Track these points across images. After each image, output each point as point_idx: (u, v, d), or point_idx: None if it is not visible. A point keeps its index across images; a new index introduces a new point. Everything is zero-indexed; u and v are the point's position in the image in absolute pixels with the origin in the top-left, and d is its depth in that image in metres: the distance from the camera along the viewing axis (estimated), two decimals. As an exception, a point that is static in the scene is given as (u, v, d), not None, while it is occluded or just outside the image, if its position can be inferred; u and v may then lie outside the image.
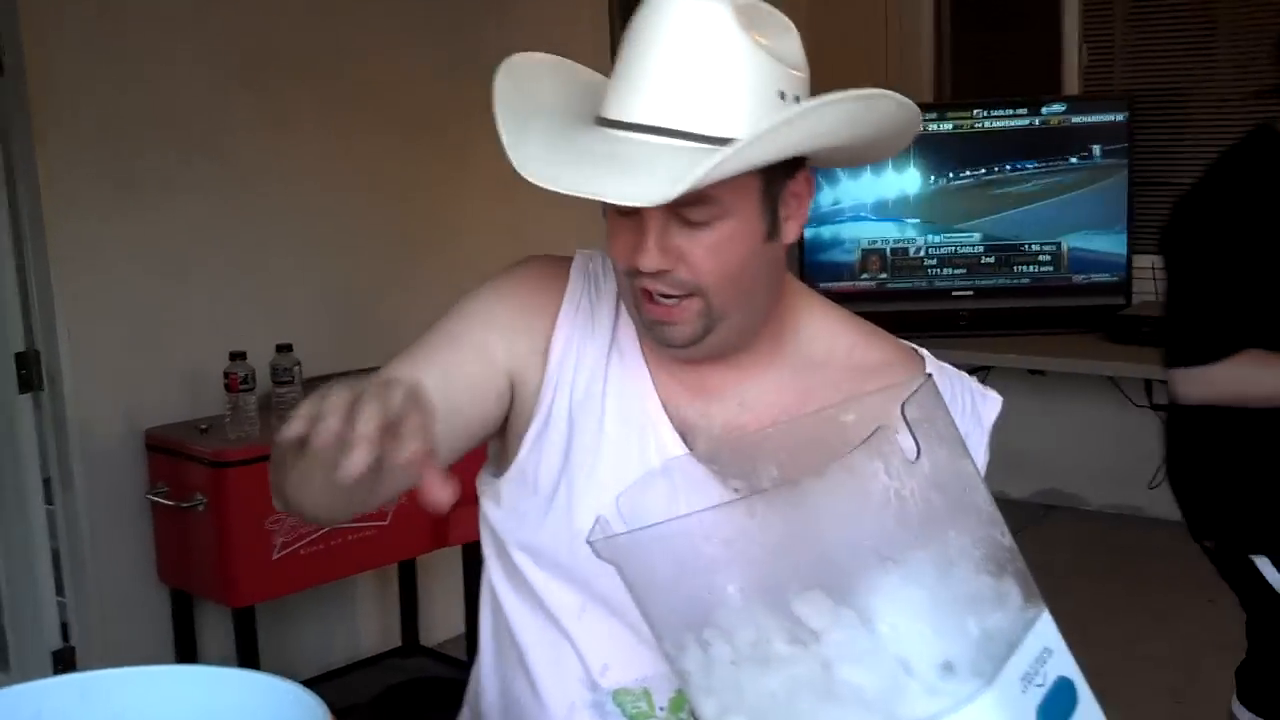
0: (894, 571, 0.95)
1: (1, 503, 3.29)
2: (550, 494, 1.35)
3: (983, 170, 4.77)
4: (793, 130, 1.17)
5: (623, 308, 1.37)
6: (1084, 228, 4.72)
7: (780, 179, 1.26)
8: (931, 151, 4.73)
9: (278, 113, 3.60)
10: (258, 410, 3.28)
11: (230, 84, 3.49)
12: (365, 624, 3.89)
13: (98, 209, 3.26)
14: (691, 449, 1.32)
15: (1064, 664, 1.00)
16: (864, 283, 4.78)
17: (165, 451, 3.28)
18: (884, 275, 4.83)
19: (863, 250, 4.83)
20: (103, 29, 3.24)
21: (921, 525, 0.98)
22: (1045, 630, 1.00)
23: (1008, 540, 1.03)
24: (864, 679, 0.92)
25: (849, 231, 4.80)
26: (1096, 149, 4.68)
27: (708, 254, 1.23)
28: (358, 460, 0.97)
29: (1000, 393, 1.43)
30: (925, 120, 1.33)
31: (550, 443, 1.35)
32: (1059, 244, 4.74)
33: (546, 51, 1.36)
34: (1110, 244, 4.70)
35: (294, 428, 1.03)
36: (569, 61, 1.36)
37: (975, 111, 4.77)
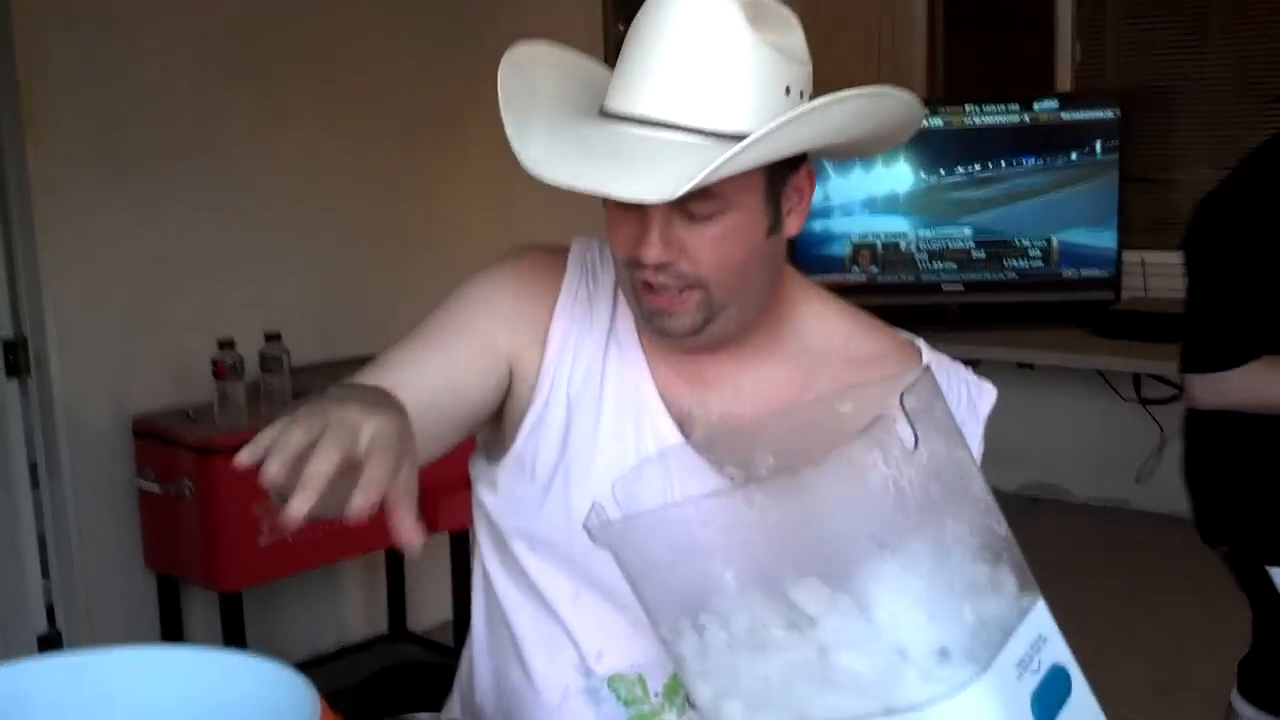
0: (891, 559, 0.95)
1: (-12, 487, 3.28)
2: (547, 481, 1.35)
3: (975, 166, 4.78)
4: (801, 127, 1.17)
5: (620, 297, 1.37)
6: (1075, 223, 4.73)
7: (783, 173, 1.26)
8: (923, 147, 4.73)
9: (269, 101, 3.59)
10: (246, 398, 3.27)
11: (222, 72, 3.48)
12: (352, 610, 3.89)
13: (87, 195, 3.24)
14: (688, 438, 1.32)
15: (1058, 651, 1.01)
16: (854, 276, 4.78)
17: (153, 438, 3.27)
18: (875, 269, 4.84)
19: (854, 244, 4.84)
20: (94, 14, 3.22)
21: (919, 514, 0.98)
22: (1040, 618, 1.01)
23: (1003, 529, 1.03)
24: (860, 665, 0.93)
25: (840, 226, 4.81)
26: (1088, 145, 4.69)
27: (710, 247, 1.23)
28: (298, 508, 0.95)
29: (990, 386, 1.44)
30: (920, 115, 1.33)
31: (548, 430, 1.35)
32: (1049, 239, 4.75)
33: (541, 37, 1.35)
34: (1101, 239, 4.71)
35: (249, 455, 0.99)
36: (569, 50, 1.35)
37: (967, 107, 4.77)
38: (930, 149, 4.75)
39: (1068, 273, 4.75)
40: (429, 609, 3.95)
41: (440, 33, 3.97)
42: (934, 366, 1.35)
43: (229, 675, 1.08)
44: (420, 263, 3.86)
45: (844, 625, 0.93)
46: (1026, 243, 4.77)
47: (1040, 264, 4.76)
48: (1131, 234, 4.77)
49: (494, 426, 1.42)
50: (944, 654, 0.92)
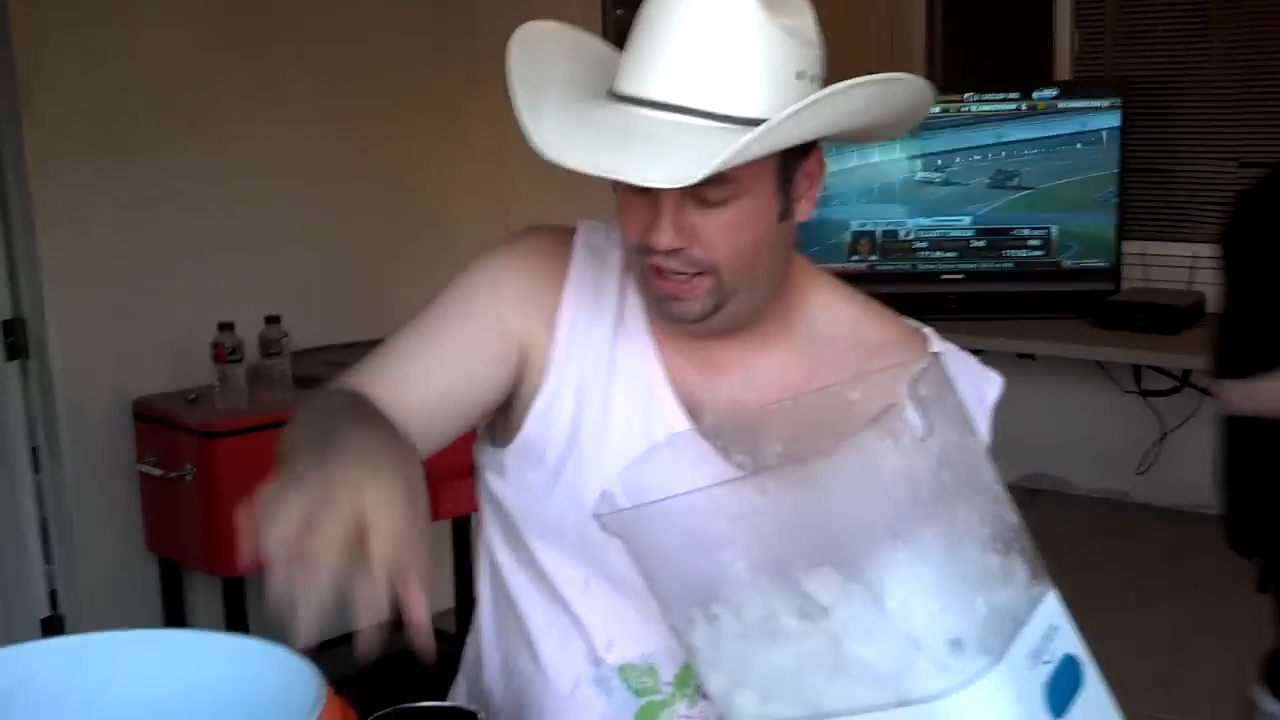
0: (903, 549, 0.95)
1: (-11, 471, 3.28)
2: (557, 468, 1.34)
3: (974, 155, 4.77)
4: (818, 113, 1.16)
5: (628, 281, 1.36)
6: (1074, 213, 4.72)
7: (795, 159, 1.25)
8: (923, 135, 4.72)
9: (269, 83, 3.59)
10: (246, 381, 3.27)
11: (222, 55, 3.47)
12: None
13: (86, 178, 3.24)
14: (697, 425, 1.32)
15: (1070, 641, 1.01)
16: (854, 265, 4.78)
17: (153, 421, 3.27)
18: (874, 258, 4.83)
19: (853, 233, 4.83)
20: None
21: (931, 503, 0.98)
22: (1051, 608, 1.01)
23: (1014, 518, 1.03)
24: (874, 655, 0.93)
25: (839, 214, 4.80)
26: (1088, 134, 4.68)
27: (722, 233, 1.23)
28: (305, 637, 0.94)
29: (989, 377, 1.43)
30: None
31: (557, 416, 1.34)
32: (1049, 229, 4.75)
33: (541, 17, 1.34)
34: (1100, 229, 4.70)
35: (247, 553, 0.97)
36: (576, 29, 1.34)
37: (966, 95, 4.76)
38: (929, 137, 4.74)
39: (1067, 262, 4.74)
40: (431, 596, 3.94)
41: (440, 17, 3.96)
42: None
43: (235, 659, 1.08)
44: (420, 245, 3.86)
45: (857, 615, 0.93)
46: (1026, 232, 4.77)
47: (1040, 253, 4.76)
48: (1131, 224, 4.76)
49: (501, 411, 1.41)
50: (957, 644, 0.92)
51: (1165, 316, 4.39)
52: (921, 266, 4.82)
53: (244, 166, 3.54)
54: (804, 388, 1.29)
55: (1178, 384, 4.73)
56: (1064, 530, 4.73)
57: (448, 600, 3.82)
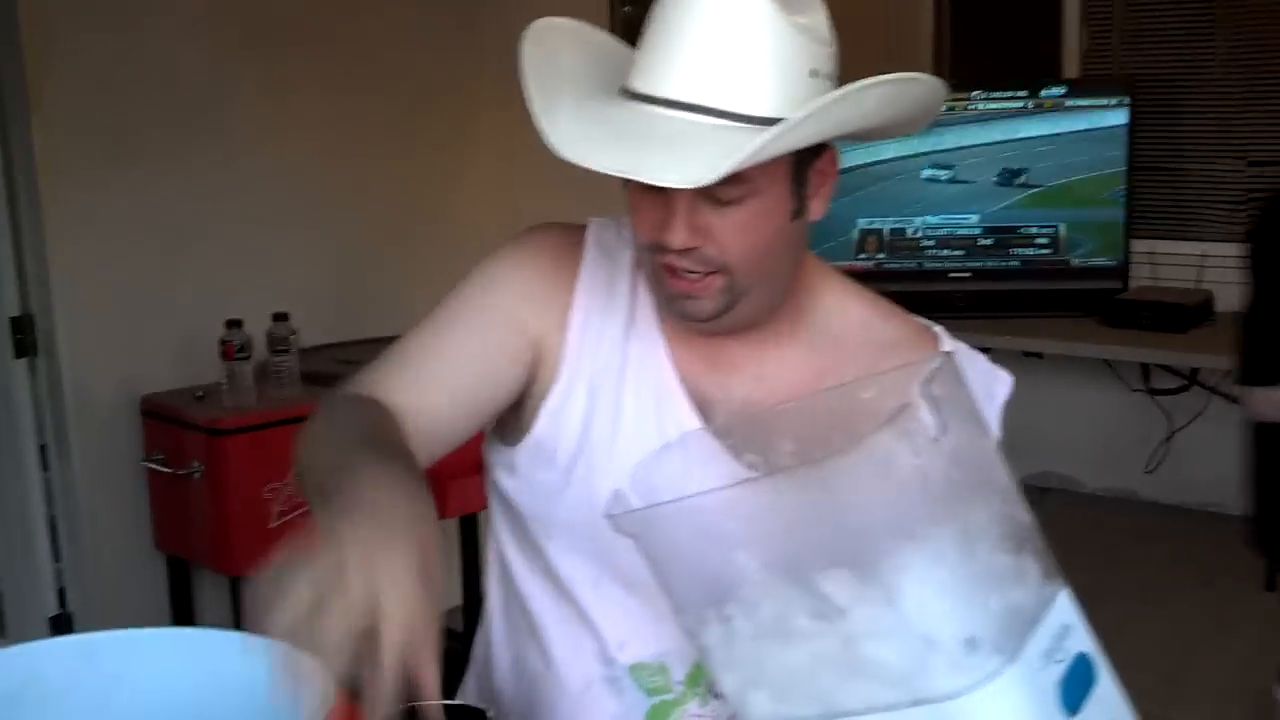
0: (917, 549, 0.94)
1: (-3, 468, 3.28)
2: (569, 466, 1.34)
3: (982, 153, 4.76)
4: (834, 112, 1.16)
5: (639, 279, 1.36)
6: (1082, 211, 4.72)
7: (809, 158, 1.25)
8: (930, 133, 4.71)
9: (277, 80, 3.58)
10: (254, 378, 3.27)
11: (230, 51, 3.47)
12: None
13: (94, 174, 3.23)
14: (709, 423, 1.31)
15: (1083, 640, 1.00)
16: (861, 263, 4.77)
17: (161, 418, 3.27)
18: (881, 256, 4.83)
19: (860, 231, 4.82)
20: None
21: (944, 503, 0.97)
22: (1064, 607, 1.00)
23: (1027, 517, 1.03)
24: (888, 655, 0.92)
25: (846, 212, 4.79)
26: (1096, 132, 4.67)
27: (736, 232, 1.22)
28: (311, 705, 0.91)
29: (996, 375, 1.43)
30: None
31: (569, 415, 1.34)
32: (1057, 227, 4.74)
33: (548, 15, 1.33)
34: (1108, 228, 4.69)
35: (254, 629, 0.95)
36: (587, 25, 1.34)
37: (974, 93, 4.75)
38: (937, 135, 4.73)
39: (1075, 261, 4.74)
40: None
41: (449, 10, 3.96)
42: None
43: (243, 658, 1.07)
44: (428, 243, 3.86)
45: (872, 616, 0.93)
46: (1034, 230, 4.76)
47: (1048, 252, 4.75)
48: (1139, 222, 4.76)
49: (511, 409, 1.40)
50: (972, 644, 0.92)
51: (1173, 315, 4.38)
52: (929, 264, 4.81)
53: (252, 163, 3.54)
54: (815, 386, 1.29)
55: (1186, 382, 4.72)
56: (1072, 528, 4.72)
57: (456, 598, 3.83)
